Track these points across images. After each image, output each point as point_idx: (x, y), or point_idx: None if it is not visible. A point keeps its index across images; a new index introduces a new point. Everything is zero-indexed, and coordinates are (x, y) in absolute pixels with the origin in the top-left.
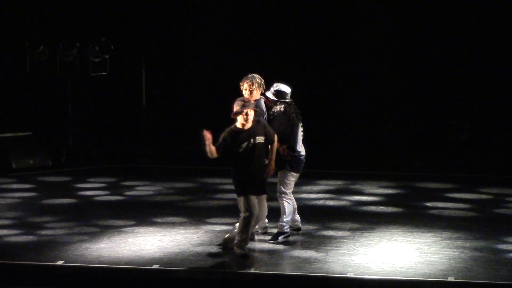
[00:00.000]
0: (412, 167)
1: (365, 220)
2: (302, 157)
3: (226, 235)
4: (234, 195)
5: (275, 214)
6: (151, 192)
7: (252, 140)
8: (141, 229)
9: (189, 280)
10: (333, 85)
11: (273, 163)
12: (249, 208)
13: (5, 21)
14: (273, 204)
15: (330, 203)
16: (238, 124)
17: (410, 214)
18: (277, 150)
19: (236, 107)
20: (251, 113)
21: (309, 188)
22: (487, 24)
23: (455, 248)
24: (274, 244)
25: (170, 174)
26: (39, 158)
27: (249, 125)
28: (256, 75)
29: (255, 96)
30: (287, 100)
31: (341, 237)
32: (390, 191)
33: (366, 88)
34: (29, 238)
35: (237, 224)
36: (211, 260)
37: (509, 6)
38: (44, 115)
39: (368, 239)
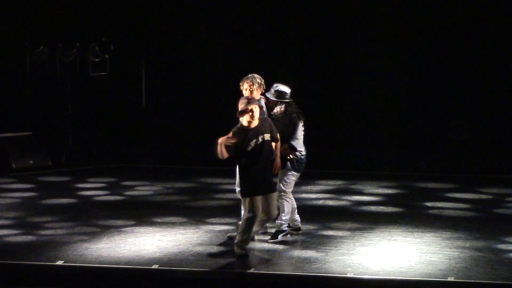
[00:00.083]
0: (412, 167)
1: (365, 220)
2: (303, 156)
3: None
4: (234, 195)
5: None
6: (151, 192)
7: (260, 138)
8: (141, 229)
9: (189, 280)
10: (333, 85)
11: (278, 160)
12: (253, 209)
13: (5, 21)
14: None
15: (330, 203)
16: (244, 122)
17: (410, 214)
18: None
19: (240, 106)
20: (256, 110)
21: (309, 188)
22: (487, 24)
23: (455, 248)
24: (274, 244)
25: (170, 174)
26: (39, 158)
27: (255, 122)
28: (256, 75)
29: (255, 96)
30: (287, 100)
31: (341, 237)
32: (390, 191)
33: (366, 88)
34: (29, 238)
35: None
36: (211, 260)
37: (509, 6)
38: (44, 115)
39: (368, 239)
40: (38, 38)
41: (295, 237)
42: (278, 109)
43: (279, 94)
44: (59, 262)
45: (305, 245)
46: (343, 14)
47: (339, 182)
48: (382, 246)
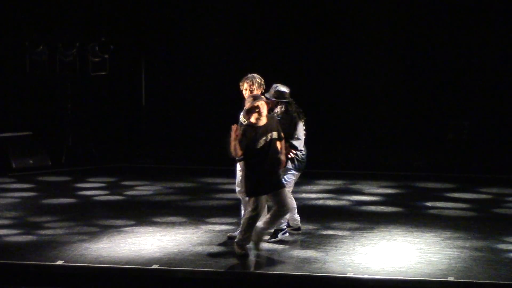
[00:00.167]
0: (412, 167)
1: (364, 220)
2: (304, 156)
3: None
4: (234, 195)
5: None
6: (150, 192)
7: (269, 136)
8: (141, 229)
9: (189, 280)
10: (333, 84)
11: (284, 157)
12: (256, 208)
13: (5, 21)
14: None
15: (330, 202)
16: (253, 120)
17: (410, 214)
18: None
19: (247, 104)
20: (263, 106)
21: (308, 187)
22: (487, 24)
23: (455, 248)
24: (274, 244)
25: (170, 174)
26: (39, 158)
27: (263, 119)
28: (256, 75)
29: None
30: (287, 100)
31: (341, 237)
32: (389, 191)
33: (366, 88)
34: (29, 238)
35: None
36: (211, 260)
37: (508, 6)
38: (43, 115)
39: (368, 239)
40: (37, 38)
41: (295, 237)
42: (278, 109)
43: (279, 94)
44: (59, 262)
45: (305, 245)
46: (343, 14)
47: (339, 182)
48: (382, 246)
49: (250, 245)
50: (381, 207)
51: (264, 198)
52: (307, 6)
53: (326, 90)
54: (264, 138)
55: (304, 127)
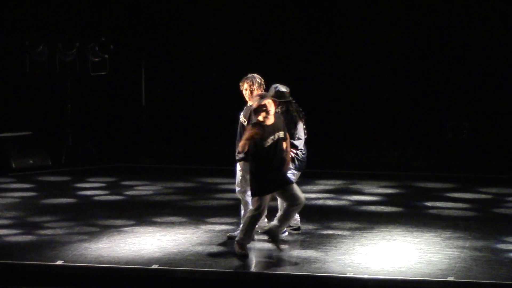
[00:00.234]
0: (411, 167)
1: (364, 220)
2: (304, 155)
3: (268, 227)
4: (233, 195)
5: (274, 213)
6: (150, 192)
7: (276, 135)
8: (141, 229)
9: (189, 280)
10: (333, 84)
11: (289, 157)
12: (259, 208)
13: (5, 21)
14: (272, 203)
15: (330, 202)
16: (261, 118)
17: (409, 214)
18: None
19: (254, 103)
20: (270, 104)
21: (308, 187)
22: (487, 24)
23: (455, 247)
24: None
25: (170, 173)
26: (39, 158)
27: (271, 117)
28: (256, 75)
29: None
30: (288, 99)
31: (341, 237)
32: (389, 190)
33: (366, 88)
34: (29, 237)
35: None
36: (211, 260)
37: (508, 6)
38: (43, 115)
39: (368, 239)
40: (37, 37)
41: (295, 237)
42: (279, 109)
43: (280, 94)
44: (59, 262)
45: (305, 245)
46: (344, 14)
47: (339, 182)
48: (382, 245)
49: (271, 245)
50: (381, 207)
51: (268, 198)
52: (307, 6)
53: (326, 90)
54: (271, 137)
55: (304, 127)
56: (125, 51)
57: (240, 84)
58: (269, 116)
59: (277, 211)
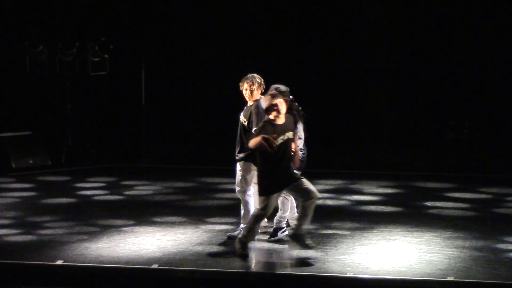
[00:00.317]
0: (411, 166)
1: (364, 220)
2: (304, 155)
3: (292, 233)
4: (233, 195)
5: (274, 212)
6: (150, 192)
7: (286, 135)
8: (141, 229)
9: (189, 280)
10: (333, 84)
11: (297, 156)
12: (265, 208)
13: (5, 21)
14: None
15: (330, 202)
16: (271, 117)
17: (409, 214)
18: None
19: (265, 102)
20: (281, 104)
21: None
22: (487, 23)
23: (455, 247)
24: (273, 243)
25: (170, 173)
26: (39, 158)
27: (282, 117)
28: (255, 75)
29: (255, 96)
30: (288, 99)
31: (341, 237)
32: (389, 190)
33: (366, 87)
34: (29, 237)
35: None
36: (211, 260)
37: (508, 6)
38: (43, 115)
39: (368, 239)
40: (37, 37)
41: None
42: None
43: (282, 94)
44: (59, 262)
45: None
46: (343, 14)
47: (338, 182)
48: (382, 245)
49: (295, 241)
50: (381, 206)
51: (275, 198)
52: (307, 6)
53: (326, 90)
54: (281, 137)
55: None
56: (124, 51)
57: (240, 84)
58: (280, 116)
59: (276, 210)
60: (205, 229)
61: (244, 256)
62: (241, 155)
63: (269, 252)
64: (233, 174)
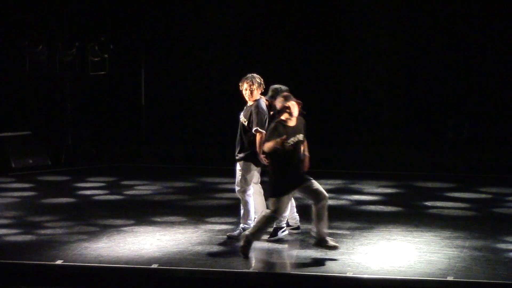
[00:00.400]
0: (411, 166)
1: (364, 220)
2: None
3: (314, 241)
4: (233, 194)
5: None
6: (150, 192)
7: (297, 137)
8: (141, 229)
9: (188, 280)
10: (333, 84)
11: (307, 159)
12: (277, 210)
13: (5, 21)
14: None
15: (330, 202)
16: (283, 118)
17: (409, 214)
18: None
19: (278, 104)
20: (294, 107)
21: None
22: (487, 23)
23: (455, 247)
24: (273, 243)
25: (169, 173)
26: (38, 158)
27: (294, 119)
28: (255, 75)
29: (255, 96)
30: None
31: (341, 237)
32: (389, 190)
33: (365, 87)
34: (28, 237)
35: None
36: (210, 260)
37: (508, 5)
38: (43, 115)
39: (368, 239)
40: (37, 37)
41: (295, 236)
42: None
43: (279, 93)
44: (59, 262)
45: (304, 245)
46: (343, 14)
47: (338, 182)
48: (382, 245)
49: (320, 247)
50: (381, 206)
51: (286, 200)
52: (307, 6)
53: (326, 89)
54: (292, 139)
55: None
56: (124, 51)
57: (240, 84)
58: (292, 118)
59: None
60: (205, 229)
61: (245, 254)
62: (241, 154)
63: (269, 252)
64: (233, 174)
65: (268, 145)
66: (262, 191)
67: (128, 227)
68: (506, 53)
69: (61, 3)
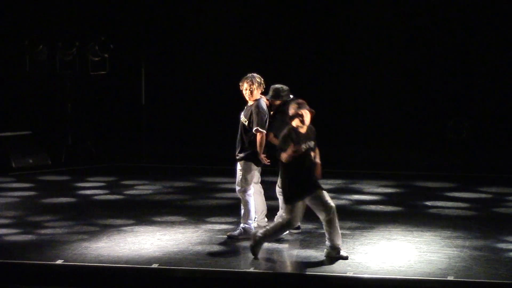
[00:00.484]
0: (411, 166)
1: (364, 219)
2: None
3: (326, 252)
4: (233, 194)
5: (275, 211)
6: (150, 191)
7: (308, 144)
8: (141, 228)
9: (188, 279)
10: (332, 84)
11: (319, 166)
12: (292, 217)
13: (5, 20)
14: (272, 202)
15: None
16: (294, 124)
17: (409, 213)
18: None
19: (291, 110)
20: (307, 115)
21: None
22: (487, 23)
23: (455, 247)
24: (273, 243)
25: (170, 173)
26: (39, 157)
27: (305, 127)
28: (255, 75)
29: (255, 96)
30: (289, 98)
31: (341, 236)
32: (389, 190)
33: (366, 87)
34: (29, 237)
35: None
36: (211, 259)
37: (508, 6)
38: (43, 114)
39: (368, 238)
40: (37, 37)
41: (295, 236)
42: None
43: (281, 93)
44: (59, 261)
45: (304, 244)
46: (343, 14)
47: (338, 181)
48: (382, 245)
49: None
50: (381, 206)
51: (300, 207)
52: (308, 6)
53: (326, 89)
54: (303, 146)
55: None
56: (124, 50)
57: (240, 84)
58: (303, 126)
59: (277, 210)
60: (205, 229)
61: (254, 254)
62: (242, 154)
63: (269, 252)
64: (233, 174)
65: (286, 156)
66: (262, 190)
67: (128, 227)
68: (506, 53)
69: (61, 3)
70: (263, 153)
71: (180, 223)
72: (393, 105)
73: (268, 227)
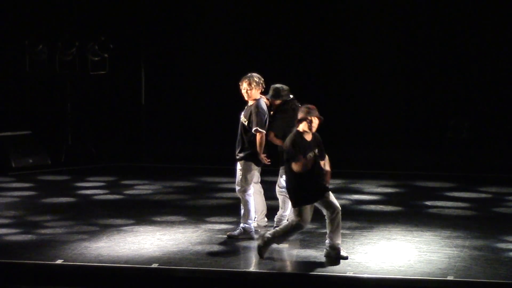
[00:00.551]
0: (411, 166)
1: (364, 219)
2: None
3: (326, 252)
4: (233, 194)
5: (275, 211)
6: (150, 191)
7: (315, 150)
8: (141, 228)
9: (188, 279)
10: (333, 83)
11: (329, 174)
12: (300, 221)
13: (5, 20)
14: (272, 202)
15: None
16: (300, 129)
17: (409, 213)
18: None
19: (300, 114)
20: (315, 121)
21: None
22: (487, 22)
23: (455, 247)
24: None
25: (169, 173)
26: (38, 157)
27: (310, 134)
28: (254, 74)
29: (255, 96)
30: (289, 98)
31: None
32: (389, 190)
33: (366, 87)
34: (29, 237)
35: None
36: (210, 259)
37: (508, 6)
38: (43, 114)
39: (368, 238)
40: (37, 37)
41: (295, 236)
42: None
43: (281, 93)
44: (59, 261)
45: (304, 244)
46: (343, 14)
47: (338, 181)
48: (382, 245)
49: (330, 255)
50: (381, 206)
51: (309, 209)
52: (308, 6)
53: (326, 89)
54: (310, 153)
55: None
56: (124, 50)
57: (239, 83)
58: (309, 132)
59: (277, 210)
60: (205, 229)
61: (261, 255)
62: (242, 154)
63: (269, 251)
64: (233, 174)
65: (298, 167)
66: (262, 190)
67: (128, 227)
68: (506, 53)
69: (61, 3)
70: (263, 153)
71: (180, 223)
72: (393, 105)
73: (277, 228)
